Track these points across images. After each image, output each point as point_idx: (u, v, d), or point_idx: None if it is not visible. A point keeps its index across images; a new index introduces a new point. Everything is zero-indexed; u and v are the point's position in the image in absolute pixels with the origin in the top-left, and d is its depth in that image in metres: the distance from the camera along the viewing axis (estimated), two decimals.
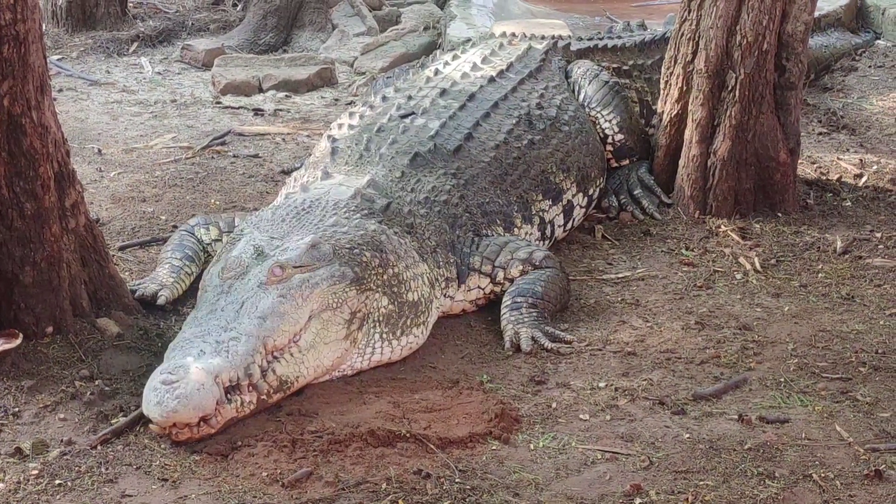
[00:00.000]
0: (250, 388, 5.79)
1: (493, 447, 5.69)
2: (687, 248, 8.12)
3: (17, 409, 5.96)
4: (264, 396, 5.86)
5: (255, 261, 6.28)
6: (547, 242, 7.98)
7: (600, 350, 6.71)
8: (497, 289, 7.20)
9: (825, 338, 6.85)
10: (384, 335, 6.44)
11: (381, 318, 6.43)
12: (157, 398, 5.53)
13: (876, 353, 6.64)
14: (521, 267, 7.19)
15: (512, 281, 7.17)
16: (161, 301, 7.09)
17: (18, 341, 6.28)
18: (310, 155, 8.26)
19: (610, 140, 8.86)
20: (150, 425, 5.67)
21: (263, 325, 5.95)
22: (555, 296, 7.12)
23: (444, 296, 7.03)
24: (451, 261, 7.10)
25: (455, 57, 9.02)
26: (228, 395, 5.69)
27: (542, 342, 6.72)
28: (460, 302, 7.17)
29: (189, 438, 5.62)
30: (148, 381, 5.66)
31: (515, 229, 7.65)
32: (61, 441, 5.69)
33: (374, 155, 7.41)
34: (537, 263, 7.21)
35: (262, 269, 6.21)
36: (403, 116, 7.83)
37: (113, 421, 5.84)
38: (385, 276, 6.51)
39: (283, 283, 6.16)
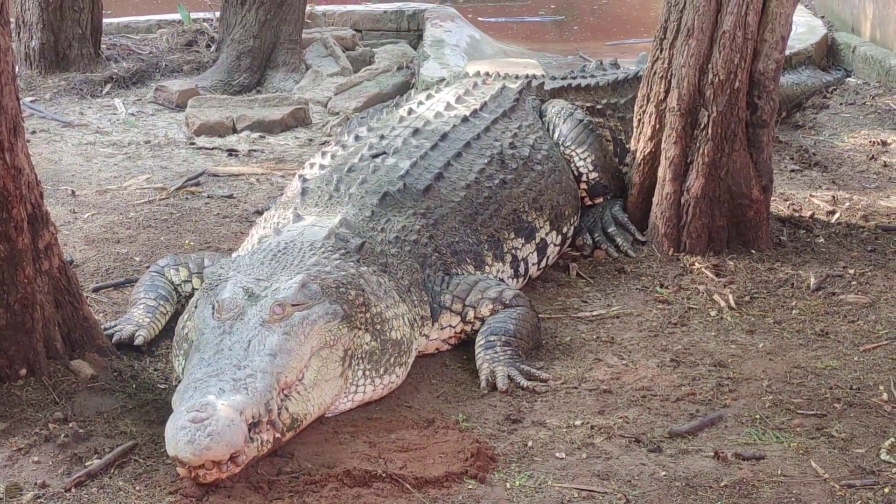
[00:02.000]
0: (268, 425, 5.72)
1: (470, 486, 5.68)
2: (661, 286, 8.13)
3: None
4: (279, 434, 5.80)
5: (248, 301, 6.26)
6: (521, 280, 7.99)
7: (576, 388, 6.71)
8: (467, 328, 7.20)
9: (800, 374, 6.87)
10: (367, 373, 6.44)
11: (364, 356, 6.42)
12: (187, 437, 5.38)
13: (850, 389, 6.66)
14: (491, 306, 7.20)
15: (482, 320, 7.17)
16: (138, 341, 7.06)
17: None
18: (281, 194, 8.27)
19: (584, 178, 8.89)
20: (178, 468, 5.52)
21: (275, 362, 5.91)
22: (527, 333, 7.13)
23: (421, 335, 7.03)
24: (425, 299, 7.10)
25: (429, 96, 9.05)
26: (251, 434, 5.62)
27: (518, 380, 6.72)
28: (434, 341, 7.17)
29: (216, 480, 5.51)
30: (170, 422, 5.51)
31: (486, 267, 7.66)
32: (35, 484, 5.65)
33: (344, 195, 7.41)
34: (507, 302, 7.21)
35: (262, 307, 6.18)
36: (375, 156, 7.84)
37: (87, 463, 5.81)
38: (368, 315, 6.51)
39: (286, 320, 6.15)
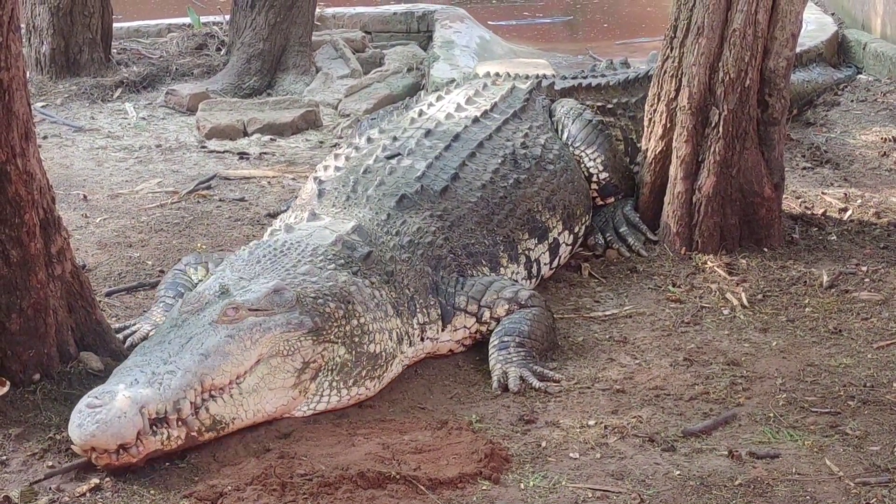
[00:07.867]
0: (179, 422, 5.80)
1: (484, 487, 5.67)
2: (674, 285, 8.12)
3: (4, 458, 5.94)
4: (195, 433, 5.87)
5: (216, 298, 6.32)
6: (534, 281, 7.97)
7: (589, 388, 6.70)
8: (483, 328, 7.19)
9: (813, 372, 6.86)
10: (334, 383, 6.42)
11: (334, 367, 6.42)
12: (78, 420, 5.60)
13: (864, 387, 6.65)
14: (506, 306, 7.19)
15: (498, 320, 7.16)
16: None
17: (6, 389, 6.27)
18: (296, 197, 8.27)
19: (595, 178, 8.87)
20: (72, 446, 5.72)
21: (204, 363, 5.97)
22: (541, 334, 7.12)
23: (425, 338, 7.02)
24: (432, 303, 7.08)
25: (439, 98, 9.02)
26: (155, 427, 5.70)
27: (531, 381, 6.71)
28: (446, 342, 7.16)
29: (108, 464, 5.66)
30: (78, 403, 5.72)
31: (501, 269, 7.65)
32: (50, 489, 5.66)
33: (362, 197, 7.41)
34: (523, 302, 7.21)
35: (218, 307, 6.24)
36: (389, 157, 7.83)
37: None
38: (348, 327, 6.51)
39: (235, 323, 6.18)
